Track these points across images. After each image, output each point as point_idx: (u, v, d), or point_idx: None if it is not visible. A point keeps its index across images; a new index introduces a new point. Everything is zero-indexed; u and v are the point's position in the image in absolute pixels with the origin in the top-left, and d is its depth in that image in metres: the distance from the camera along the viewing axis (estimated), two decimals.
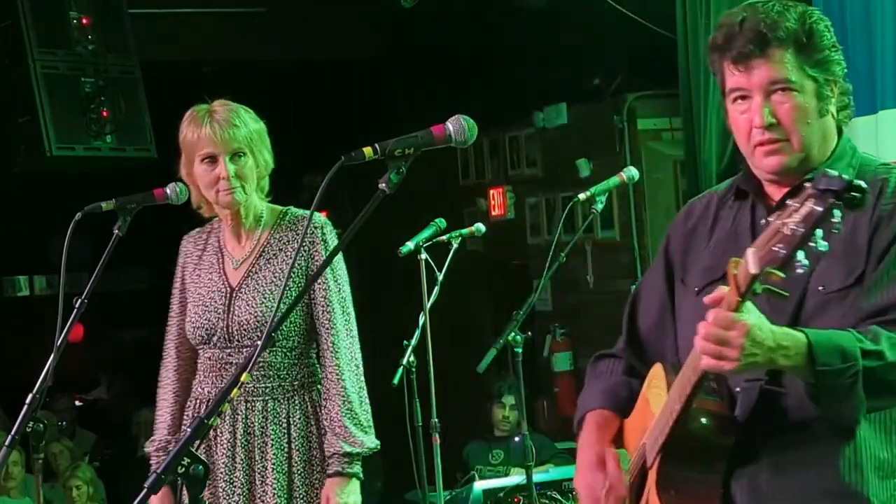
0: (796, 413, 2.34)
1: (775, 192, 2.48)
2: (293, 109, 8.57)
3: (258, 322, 3.58)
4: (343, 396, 3.58)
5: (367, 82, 9.00)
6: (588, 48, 7.35)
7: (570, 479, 5.78)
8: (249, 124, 3.63)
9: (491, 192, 8.83)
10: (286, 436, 3.61)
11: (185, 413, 3.75)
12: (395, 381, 5.21)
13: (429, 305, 5.24)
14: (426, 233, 5.33)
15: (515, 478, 6.05)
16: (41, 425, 3.27)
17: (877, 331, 2.27)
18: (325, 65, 8.86)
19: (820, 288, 2.35)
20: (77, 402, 11.42)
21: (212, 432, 3.62)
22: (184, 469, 2.33)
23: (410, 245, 5.26)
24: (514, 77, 7.87)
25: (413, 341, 5.24)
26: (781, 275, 2.08)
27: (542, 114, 8.24)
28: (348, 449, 3.56)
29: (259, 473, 3.61)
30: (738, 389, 2.40)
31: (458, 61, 8.16)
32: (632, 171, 5.01)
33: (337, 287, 3.64)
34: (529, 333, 5.19)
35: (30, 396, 3.22)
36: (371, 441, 3.64)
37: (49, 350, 3.21)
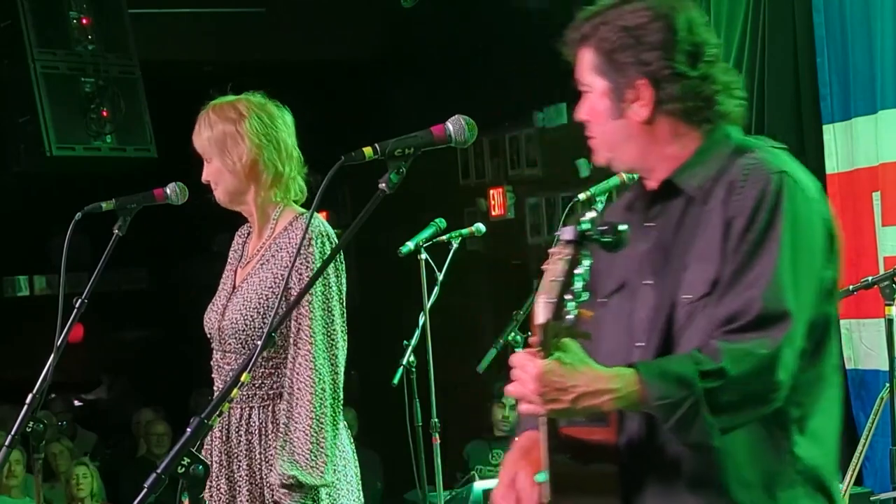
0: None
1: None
2: (293, 109, 8.56)
3: (234, 328, 3.51)
4: (313, 418, 3.39)
5: (367, 82, 8.99)
6: None
7: None
8: (209, 130, 3.54)
9: (491, 192, 8.82)
10: (259, 445, 3.50)
11: None
12: (395, 381, 5.21)
13: (429, 305, 5.24)
14: (426, 233, 5.33)
15: None
16: (41, 425, 3.27)
17: (720, 346, 2.17)
18: (325, 65, 8.85)
19: (686, 297, 2.27)
20: (76, 403, 11.43)
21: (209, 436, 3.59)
22: (184, 469, 2.33)
23: (410, 245, 5.26)
24: (514, 77, 7.87)
25: (413, 341, 5.24)
26: (588, 313, 2.15)
27: (542, 114, 8.24)
28: (303, 479, 3.36)
29: (237, 483, 3.53)
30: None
31: (458, 61, 8.16)
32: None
33: (320, 302, 3.45)
34: (529, 333, 5.18)
35: (30, 396, 3.22)
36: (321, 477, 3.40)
37: (49, 350, 3.21)
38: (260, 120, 3.58)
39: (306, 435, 3.38)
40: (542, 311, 2.14)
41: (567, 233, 2.14)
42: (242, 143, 3.55)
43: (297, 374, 3.42)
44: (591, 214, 2.16)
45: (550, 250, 2.17)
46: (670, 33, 2.36)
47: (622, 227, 2.14)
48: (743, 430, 2.24)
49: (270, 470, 3.46)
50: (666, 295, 2.30)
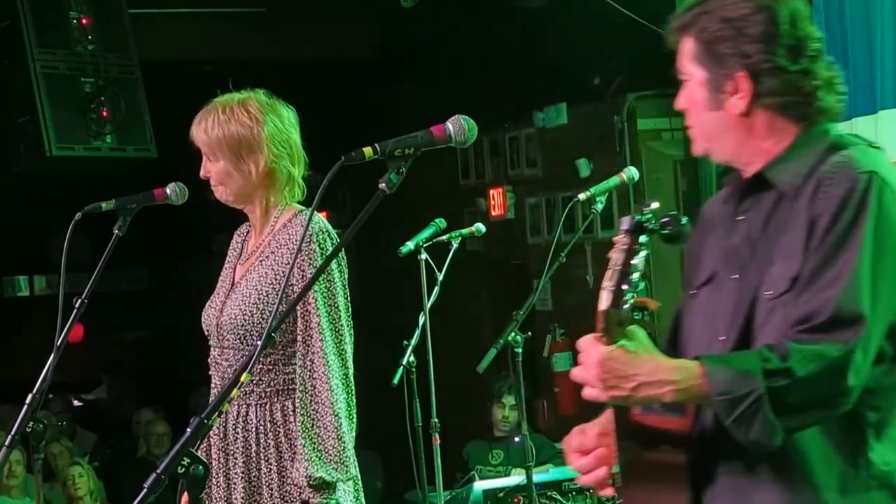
0: None
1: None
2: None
3: (233, 324, 3.49)
4: (333, 414, 3.39)
5: (367, 82, 9.00)
6: (588, 48, 7.34)
7: (571, 480, 5.79)
8: (219, 129, 3.47)
9: (491, 192, 8.83)
10: (255, 444, 3.48)
11: None
12: (395, 381, 5.21)
13: (429, 305, 5.24)
14: (426, 233, 5.33)
15: (515, 478, 6.05)
16: (41, 425, 3.27)
17: (791, 346, 2.16)
18: (326, 65, 8.86)
19: (767, 293, 2.26)
20: (76, 403, 11.44)
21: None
22: (184, 469, 2.33)
23: (410, 245, 5.26)
24: (514, 77, 7.87)
25: (413, 341, 5.24)
26: (653, 303, 2.16)
27: (542, 114, 8.25)
28: (331, 477, 3.36)
29: (233, 480, 3.51)
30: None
31: (458, 61, 8.17)
32: (632, 171, 5.01)
33: (325, 298, 3.43)
34: (529, 333, 5.20)
35: (30, 396, 3.23)
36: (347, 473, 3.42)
37: (49, 350, 3.21)
38: (275, 126, 3.52)
39: (329, 432, 3.38)
40: (604, 299, 2.18)
41: (625, 222, 2.19)
42: (260, 151, 3.49)
43: (312, 371, 3.40)
44: (654, 205, 2.19)
45: (614, 238, 2.22)
46: (772, 26, 2.33)
47: (684, 220, 2.15)
48: (819, 431, 2.22)
49: (270, 468, 3.46)
50: (749, 290, 2.29)
